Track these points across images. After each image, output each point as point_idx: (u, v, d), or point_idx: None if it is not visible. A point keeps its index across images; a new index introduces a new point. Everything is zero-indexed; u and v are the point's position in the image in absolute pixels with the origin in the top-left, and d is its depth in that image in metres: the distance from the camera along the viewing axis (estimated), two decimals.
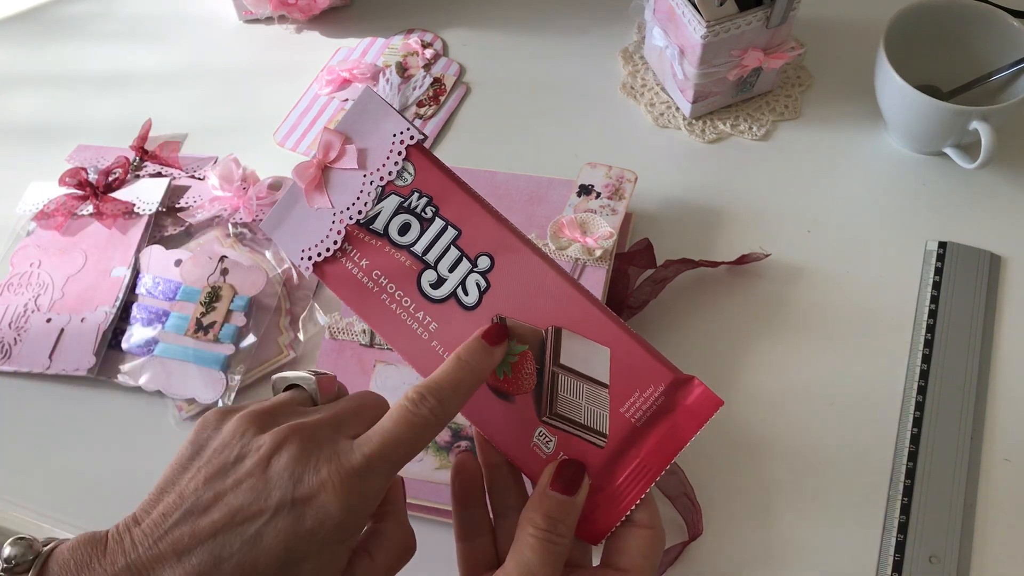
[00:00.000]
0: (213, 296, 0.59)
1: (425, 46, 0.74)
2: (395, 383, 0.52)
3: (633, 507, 0.36)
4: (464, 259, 0.39)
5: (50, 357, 0.58)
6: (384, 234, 0.39)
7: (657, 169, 0.64)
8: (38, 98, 0.74)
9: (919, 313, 0.57)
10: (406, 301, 0.39)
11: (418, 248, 0.39)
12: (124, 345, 0.58)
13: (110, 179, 0.65)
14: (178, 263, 0.60)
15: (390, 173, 0.39)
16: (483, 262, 0.38)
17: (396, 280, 0.39)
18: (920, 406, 0.53)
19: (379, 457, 0.32)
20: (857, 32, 0.70)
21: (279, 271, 0.60)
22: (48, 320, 0.59)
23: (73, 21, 0.79)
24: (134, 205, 0.63)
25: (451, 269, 0.39)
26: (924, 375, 0.55)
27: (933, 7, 0.63)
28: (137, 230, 0.63)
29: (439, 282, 0.39)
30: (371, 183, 0.40)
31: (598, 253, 0.54)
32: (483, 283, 0.38)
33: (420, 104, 0.70)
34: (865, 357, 0.56)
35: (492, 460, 0.39)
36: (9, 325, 0.59)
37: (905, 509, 0.50)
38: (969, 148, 0.61)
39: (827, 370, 0.56)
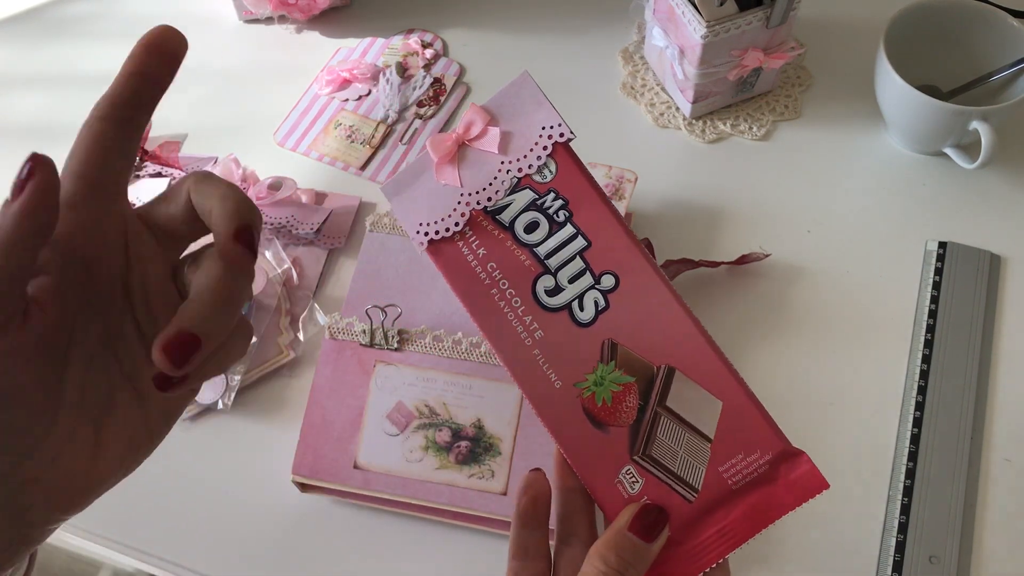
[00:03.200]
0: None
1: (425, 46, 0.74)
2: (395, 383, 0.52)
3: (707, 570, 0.35)
4: (588, 273, 0.36)
5: None
6: (509, 228, 0.37)
7: (657, 169, 0.64)
8: (38, 98, 0.74)
9: (919, 313, 0.57)
10: (516, 302, 0.37)
11: (542, 250, 0.37)
12: None
13: None
14: None
15: (531, 166, 0.37)
16: (607, 280, 0.36)
17: (511, 278, 0.37)
18: (920, 406, 0.53)
19: None
20: (857, 32, 0.70)
21: (279, 271, 0.60)
22: None
23: (73, 21, 0.79)
24: (134, 205, 0.63)
25: (571, 280, 0.37)
26: (924, 375, 0.55)
27: (933, 7, 0.63)
28: None
29: (555, 290, 0.37)
30: (508, 172, 0.37)
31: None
32: (602, 302, 0.36)
33: (420, 104, 0.70)
34: (865, 357, 0.56)
35: (568, 484, 0.37)
36: None
37: (905, 509, 0.50)
38: (969, 148, 0.61)
39: (827, 370, 0.56)
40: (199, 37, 0.76)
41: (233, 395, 0.56)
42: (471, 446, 0.50)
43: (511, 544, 0.37)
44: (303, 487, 0.51)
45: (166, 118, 0.70)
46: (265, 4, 0.74)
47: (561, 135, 0.37)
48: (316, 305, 0.59)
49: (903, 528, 0.50)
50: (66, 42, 0.78)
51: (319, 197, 0.65)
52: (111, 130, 0.32)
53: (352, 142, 0.68)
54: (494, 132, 0.38)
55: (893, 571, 0.48)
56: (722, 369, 0.35)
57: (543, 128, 0.37)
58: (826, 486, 0.34)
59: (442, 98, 0.71)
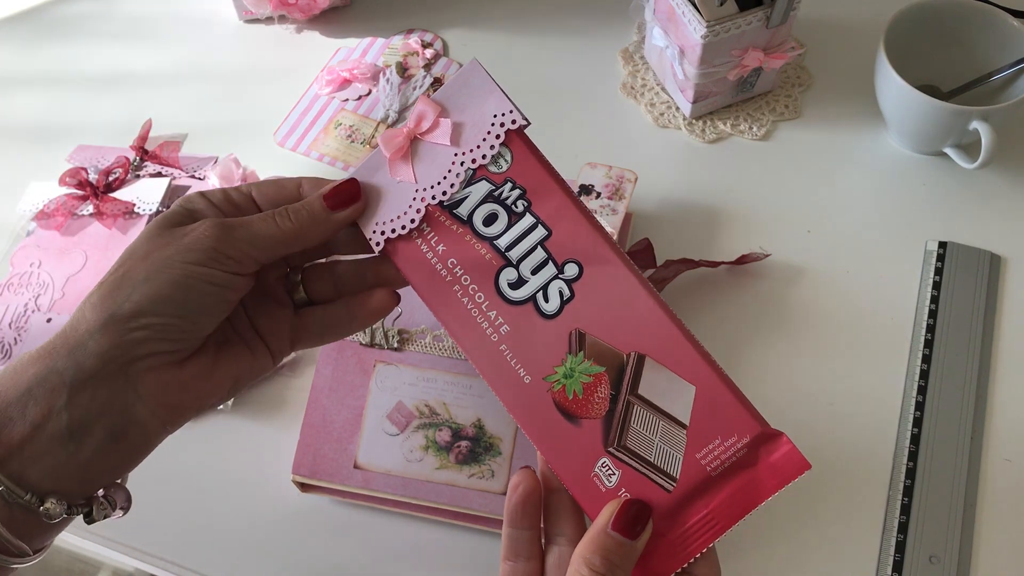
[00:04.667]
0: None
1: (425, 46, 0.74)
2: (395, 383, 0.52)
3: (693, 559, 0.34)
4: (551, 263, 0.36)
5: None
6: (467, 221, 0.37)
7: (657, 169, 0.64)
8: (38, 98, 0.74)
9: (919, 313, 0.57)
10: (480, 297, 0.36)
11: (502, 243, 0.36)
12: None
13: (110, 179, 0.65)
14: None
15: (484, 156, 0.36)
16: (570, 269, 0.35)
17: (472, 273, 0.36)
18: (920, 406, 0.53)
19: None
20: (857, 32, 0.70)
21: None
22: (48, 320, 0.59)
23: (73, 21, 0.79)
24: (134, 205, 0.63)
25: (534, 271, 0.36)
26: (924, 375, 0.55)
27: (933, 7, 0.63)
28: (137, 230, 0.63)
29: (519, 283, 0.36)
30: (461, 163, 0.37)
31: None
32: (567, 292, 0.35)
33: None
34: (865, 357, 0.56)
35: (554, 484, 0.37)
36: (9, 325, 0.59)
37: (905, 509, 0.50)
38: (969, 148, 0.61)
39: (827, 370, 0.56)
40: (199, 37, 0.76)
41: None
42: (471, 446, 0.50)
43: (503, 544, 0.37)
44: (303, 487, 0.51)
45: (166, 118, 0.70)
46: (265, 4, 0.74)
47: (513, 122, 0.36)
48: None
49: (903, 528, 0.50)
50: (66, 42, 0.78)
51: None
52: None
53: (352, 142, 0.68)
54: (445, 124, 0.37)
55: (893, 571, 0.48)
56: (693, 353, 0.34)
57: (495, 116, 0.36)
58: (808, 466, 0.33)
59: None
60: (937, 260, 0.59)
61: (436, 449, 0.50)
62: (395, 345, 0.52)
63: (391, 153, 0.37)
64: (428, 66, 0.72)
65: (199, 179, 0.66)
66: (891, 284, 0.59)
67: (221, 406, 0.56)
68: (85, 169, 0.65)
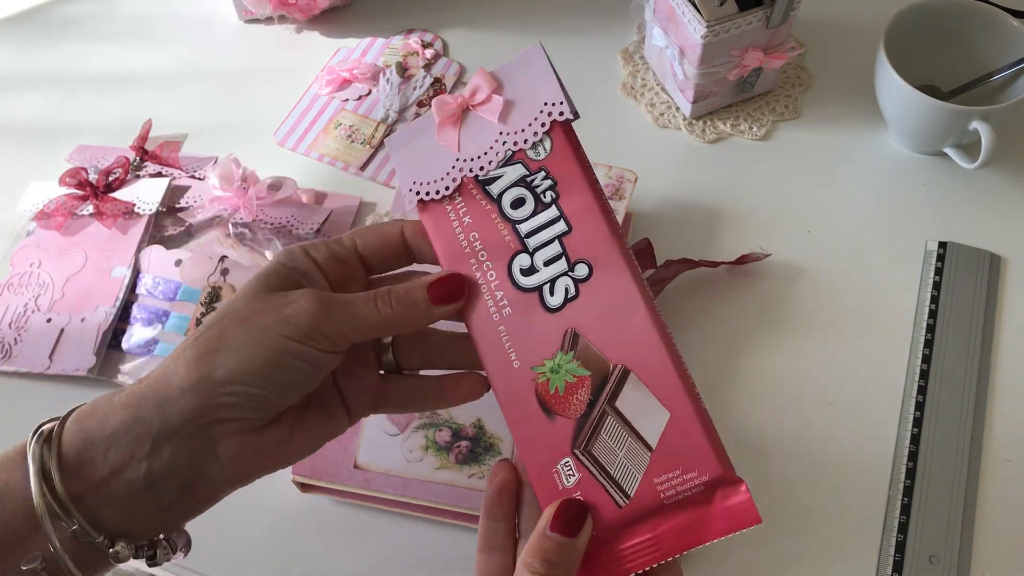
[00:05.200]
0: (213, 296, 0.59)
1: (425, 46, 0.74)
2: None
3: (655, 566, 0.34)
4: (564, 259, 0.36)
5: (50, 357, 0.58)
6: (496, 200, 0.37)
7: (657, 169, 0.64)
8: (38, 98, 0.74)
9: (919, 313, 0.57)
10: (491, 275, 0.37)
11: (524, 228, 0.36)
12: (124, 345, 0.58)
13: (110, 179, 0.65)
14: (178, 263, 0.60)
15: (526, 141, 0.36)
16: (581, 270, 0.36)
17: (490, 250, 0.37)
18: (920, 406, 0.53)
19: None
20: (857, 32, 0.70)
21: None
22: (48, 320, 0.59)
23: (73, 21, 0.79)
24: (134, 205, 0.63)
25: (547, 263, 0.36)
26: (924, 375, 0.55)
27: (933, 7, 0.63)
28: (137, 230, 0.63)
29: (530, 270, 0.36)
30: (503, 143, 0.37)
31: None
32: (572, 290, 0.36)
33: (420, 104, 0.70)
34: (865, 357, 0.56)
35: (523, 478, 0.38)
36: (9, 325, 0.59)
37: (905, 509, 0.50)
38: (969, 148, 0.61)
39: (827, 370, 0.56)
40: (199, 37, 0.76)
41: None
42: (471, 446, 0.50)
43: (479, 536, 0.37)
44: (303, 487, 0.51)
45: (166, 118, 0.70)
46: (265, 4, 0.74)
47: (561, 114, 0.36)
48: None
49: (903, 528, 0.50)
50: (66, 42, 0.78)
51: (319, 197, 0.65)
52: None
53: (352, 142, 0.68)
54: (497, 100, 0.37)
55: (893, 571, 0.48)
56: (676, 381, 0.34)
57: (545, 104, 0.36)
58: (758, 521, 0.33)
59: None
60: (937, 260, 0.59)
61: (436, 449, 0.50)
62: None
63: (442, 118, 0.38)
64: (428, 66, 0.72)
65: (199, 179, 0.66)
66: (891, 284, 0.59)
67: None
68: (85, 169, 0.65)
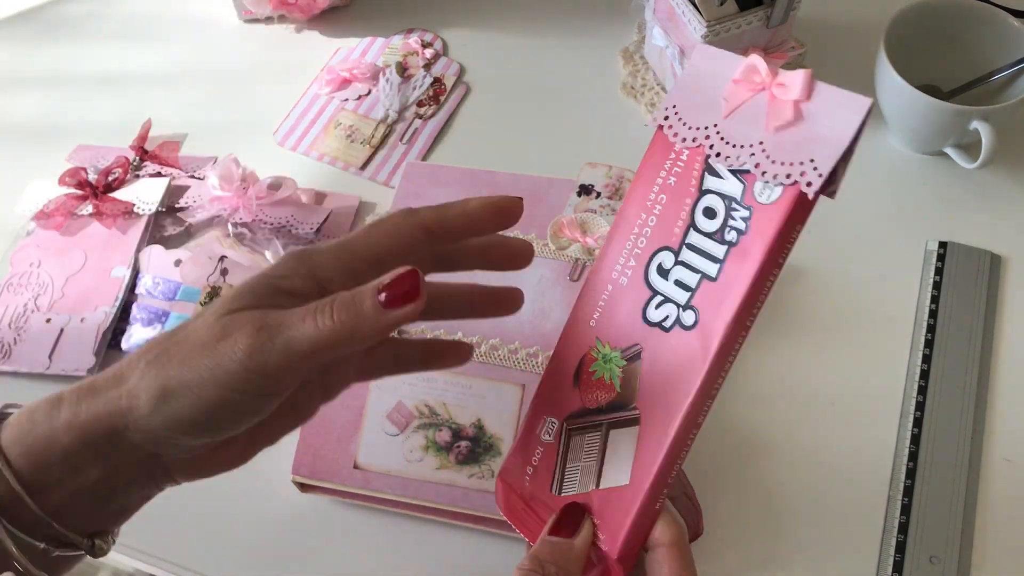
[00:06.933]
0: (213, 296, 0.59)
1: (425, 46, 0.74)
2: (394, 383, 0.52)
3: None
4: (687, 294, 0.33)
5: (50, 357, 0.58)
6: (701, 193, 0.33)
7: None
8: (38, 98, 0.74)
9: (919, 313, 0.57)
10: (641, 242, 0.35)
11: (693, 237, 0.33)
12: (124, 345, 0.58)
13: (110, 179, 0.65)
14: (178, 263, 0.60)
15: (764, 172, 0.31)
16: (687, 317, 0.33)
17: (656, 229, 0.34)
18: (920, 406, 0.53)
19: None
20: (857, 32, 0.70)
21: None
22: (48, 320, 0.59)
23: (72, 21, 0.79)
24: (134, 205, 0.63)
25: (677, 283, 0.34)
26: (924, 375, 0.55)
27: (933, 7, 0.63)
28: (137, 230, 0.63)
29: (663, 273, 0.34)
30: (752, 155, 0.31)
31: (598, 253, 0.54)
32: (670, 322, 0.34)
33: (420, 104, 0.70)
34: (865, 357, 0.56)
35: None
36: (9, 325, 0.59)
37: (905, 509, 0.50)
38: (969, 148, 0.61)
39: (827, 370, 0.56)
40: (199, 37, 0.76)
41: None
42: (471, 446, 0.50)
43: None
44: (303, 487, 0.51)
45: (166, 118, 0.70)
46: (265, 4, 0.74)
47: (808, 183, 0.30)
48: None
49: (903, 528, 0.49)
50: (66, 42, 0.78)
51: (319, 197, 0.65)
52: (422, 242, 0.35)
53: (352, 142, 0.68)
54: (798, 117, 0.31)
55: (893, 571, 0.48)
56: (656, 467, 0.33)
57: (812, 160, 0.30)
58: None
59: (442, 98, 0.71)
60: (937, 260, 0.59)
61: (436, 449, 0.50)
62: None
63: (746, 79, 0.32)
64: (428, 66, 0.72)
65: (199, 179, 0.66)
66: (891, 284, 0.59)
67: None
68: (85, 169, 0.65)
